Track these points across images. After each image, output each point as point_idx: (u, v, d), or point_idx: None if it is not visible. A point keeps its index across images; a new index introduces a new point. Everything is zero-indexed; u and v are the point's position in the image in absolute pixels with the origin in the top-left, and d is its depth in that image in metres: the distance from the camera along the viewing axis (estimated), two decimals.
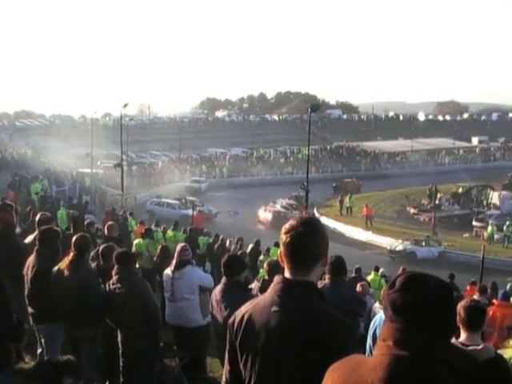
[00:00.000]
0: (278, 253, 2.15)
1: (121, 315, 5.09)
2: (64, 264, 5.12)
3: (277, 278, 2.11)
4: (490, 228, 31.58)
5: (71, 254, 5.12)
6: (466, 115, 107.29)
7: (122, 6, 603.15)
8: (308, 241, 2.04)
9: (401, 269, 11.68)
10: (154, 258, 10.96)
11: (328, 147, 66.09)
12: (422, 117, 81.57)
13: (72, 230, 8.51)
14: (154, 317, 5.19)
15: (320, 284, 5.21)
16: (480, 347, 3.17)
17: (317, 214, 35.18)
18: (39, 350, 5.35)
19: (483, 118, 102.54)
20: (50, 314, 5.11)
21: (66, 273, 5.09)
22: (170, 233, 15.84)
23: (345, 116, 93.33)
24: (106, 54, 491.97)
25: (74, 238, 5.29)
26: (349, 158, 62.69)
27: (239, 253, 9.73)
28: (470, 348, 3.15)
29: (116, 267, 5.17)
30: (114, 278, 5.14)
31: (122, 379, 5.36)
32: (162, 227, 16.30)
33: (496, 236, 31.34)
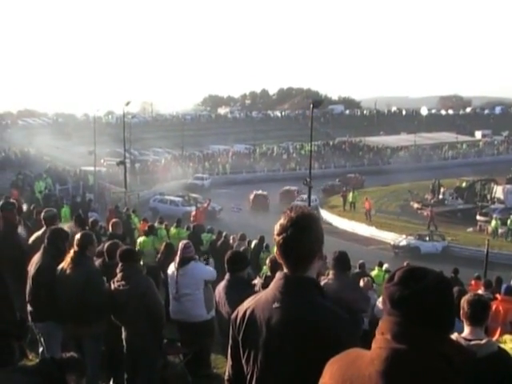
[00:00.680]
0: (275, 252, 2.16)
1: (125, 312, 5.10)
2: (66, 262, 5.13)
3: (278, 275, 2.11)
4: (493, 222, 31.52)
5: (72, 252, 5.12)
6: (468, 109, 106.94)
7: (124, 4, 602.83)
8: (300, 242, 2.02)
9: (405, 264, 11.67)
10: (158, 255, 10.99)
11: (331, 143, 66.12)
12: (424, 111, 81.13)
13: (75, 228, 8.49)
14: (158, 314, 5.20)
15: (324, 279, 5.22)
16: (483, 342, 3.16)
17: (320, 210, 35.22)
18: (41, 349, 5.37)
19: (486, 111, 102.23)
20: (49, 313, 5.11)
21: (68, 270, 5.10)
22: (173, 230, 15.84)
23: (347, 111, 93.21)
24: (108, 52, 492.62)
25: (76, 236, 5.29)
26: (352, 153, 62.64)
27: (242, 249, 9.74)
28: (473, 342, 3.14)
29: (120, 264, 5.19)
30: (118, 275, 5.16)
31: (125, 376, 5.38)
32: (164, 224, 16.31)
33: (500, 230, 31.27)
